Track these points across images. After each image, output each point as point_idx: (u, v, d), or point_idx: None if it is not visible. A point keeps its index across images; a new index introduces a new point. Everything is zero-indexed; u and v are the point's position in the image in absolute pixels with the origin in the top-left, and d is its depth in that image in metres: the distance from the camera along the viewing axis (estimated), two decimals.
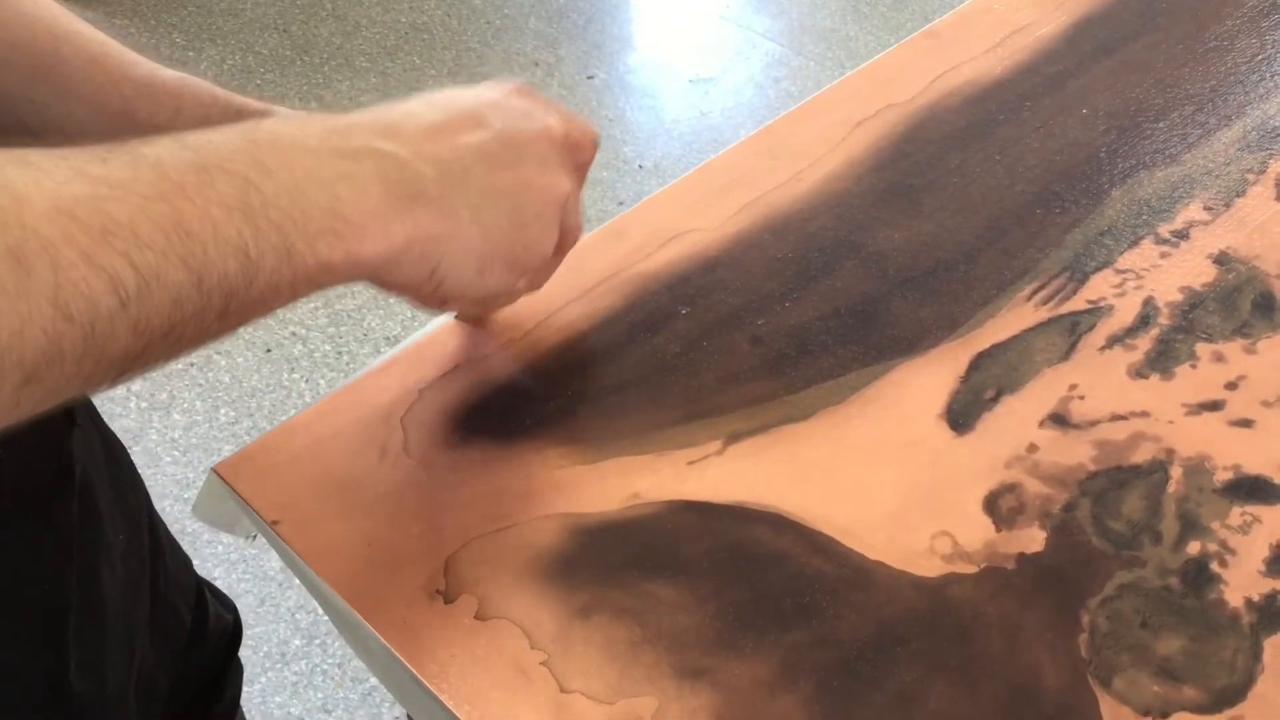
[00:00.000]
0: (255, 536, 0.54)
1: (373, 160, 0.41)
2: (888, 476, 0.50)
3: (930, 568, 0.47)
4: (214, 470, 0.51)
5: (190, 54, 2.45)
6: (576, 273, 0.59)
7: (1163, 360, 0.54)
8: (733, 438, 0.52)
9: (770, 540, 0.48)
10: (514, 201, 0.46)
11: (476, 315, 0.58)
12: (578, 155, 0.52)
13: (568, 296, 0.58)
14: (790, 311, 0.57)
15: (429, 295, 0.45)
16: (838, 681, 0.44)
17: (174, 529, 1.68)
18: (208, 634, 0.85)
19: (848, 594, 0.46)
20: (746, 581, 0.47)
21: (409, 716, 0.65)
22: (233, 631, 0.92)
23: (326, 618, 1.57)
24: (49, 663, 0.61)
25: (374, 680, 1.51)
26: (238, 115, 0.56)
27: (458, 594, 0.46)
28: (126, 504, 0.71)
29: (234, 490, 0.50)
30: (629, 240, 0.61)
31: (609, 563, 0.47)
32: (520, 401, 0.53)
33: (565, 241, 0.52)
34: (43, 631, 0.61)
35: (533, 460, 0.51)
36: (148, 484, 1.73)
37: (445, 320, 0.58)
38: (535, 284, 0.54)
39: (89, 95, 0.57)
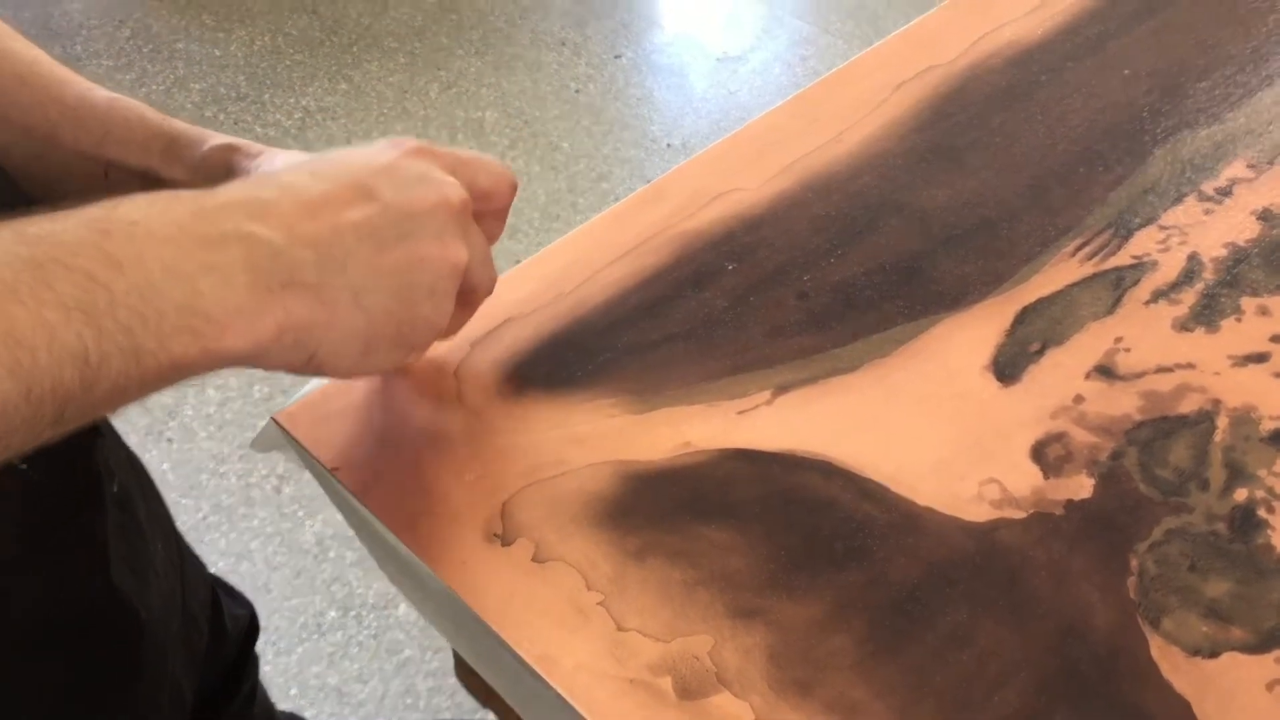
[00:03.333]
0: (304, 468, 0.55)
1: (241, 247, 0.38)
2: (935, 426, 0.51)
3: (979, 513, 0.48)
4: (273, 419, 0.52)
5: (220, 35, 2.47)
6: (620, 233, 0.60)
7: (1207, 314, 0.54)
8: (781, 389, 0.52)
9: (820, 486, 0.49)
10: (403, 280, 0.43)
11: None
12: (489, 204, 0.49)
13: (612, 255, 0.59)
14: (835, 268, 0.58)
15: (309, 374, 0.43)
16: (889, 621, 0.44)
17: (209, 504, 1.71)
18: (224, 640, 0.86)
19: (898, 538, 0.47)
20: (798, 526, 0.47)
21: (456, 658, 0.67)
22: (248, 627, 0.92)
23: (361, 590, 1.59)
24: (115, 679, 0.62)
25: (409, 651, 1.53)
26: (169, 141, 0.53)
27: (515, 537, 0.47)
28: (156, 513, 0.73)
29: (293, 438, 0.51)
30: (671, 200, 0.62)
31: (662, 508, 0.48)
32: (570, 354, 0.54)
33: (475, 297, 0.50)
34: (109, 649, 0.62)
35: (584, 410, 0.52)
36: (184, 459, 1.76)
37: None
38: (443, 337, 0.50)
39: (14, 119, 0.54)
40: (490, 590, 0.46)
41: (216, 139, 0.54)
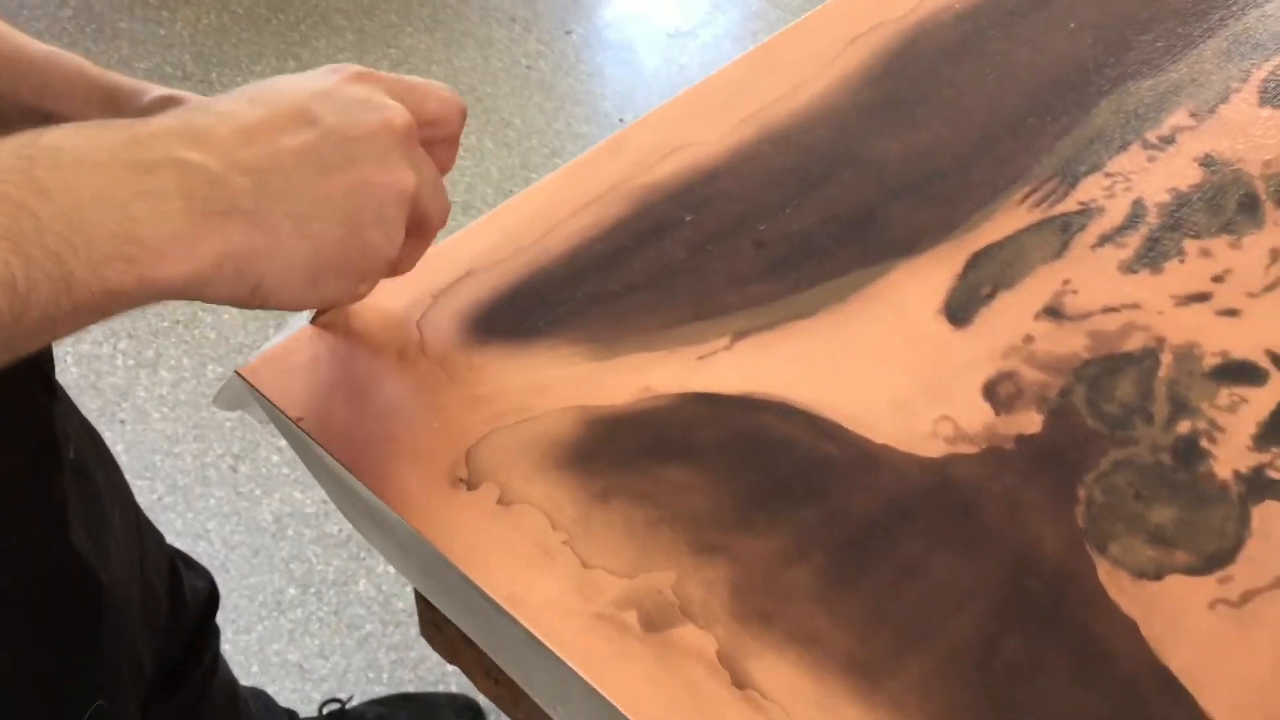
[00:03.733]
0: (267, 423, 0.55)
1: (176, 174, 0.37)
2: (891, 368, 0.52)
3: (933, 449, 0.49)
4: (236, 372, 0.52)
5: (165, 13, 2.43)
6: (580, 185, 0.60)
7: (1152, 256, 0.56)
8: (740, 334, 0.53)
9: (779, 427, 0.50)
10: (348, 206, 0.42)
11: (332, 320, 0.54)
12: (439, 130, 0.48)
13: (573, 208, 0.59)
14: (792, 218, 0.58)
15: (255, 307, 0.42)
16: (847, 554, 0.46)
17: (164, 484, 1.70)
18: (183, 609, 0.86)
19: (855, 475, 0.48)
20: (758, 465, 0.48)
21: (420, 615, 0.67)
22: (208, 599, 0.92)
23: (320, 567, 1.59)
24: (80, 645, 0.62)
25: (370, 626, 1.53)
26: (107, 94, 0.53)
27: (480, 482, 0.48)
28: (113, 482, 0.72)
29: (257, 391, 0.51)
30: (630, 154, 0.62)
31: (625, 451, 0.49)
32: (532, 304, 0.55)
33: (428, 226, 0.48)
34: (69, 615, 0.61)
35: (547, 358, 0.52)
36: (137, 440, 1.74)
37: (456, 231, 0.59)
38: (399, 270, 0.50)
39: None
40: (457, 533, 0.46)
41: (157, 91, 0.53)
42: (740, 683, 0.42)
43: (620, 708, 0.41)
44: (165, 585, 0.82)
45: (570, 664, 0.43)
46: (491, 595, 0.44)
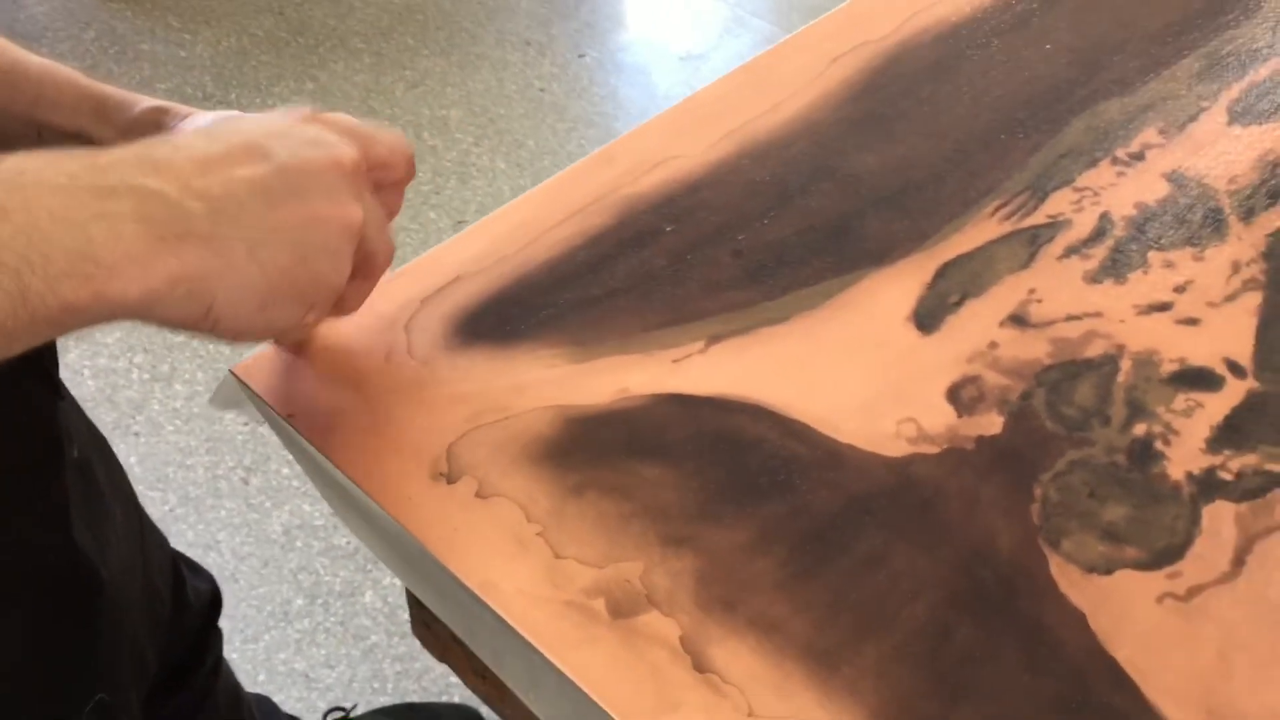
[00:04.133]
0: (261, 423, 0.57)
1: (133, 198, 0.39)
2: (859, 372, 0.54)
3: (896, 449, 0.51)
4: (231, 371, 0.54)
5: (186, 36, 2.48)
6: (567, 195, 0.63)
7: (1116, 267, 0.58)
8: (714, 339, 0.55)
9: (749, 427, 0.52)
10: (297, 236, 0.44)
11: (295, 342, 0.56)
12: (387, 175, 0.51)
13: (560, 216, 0.62)
14: (769, 228, 0.61)
15: (206, 332, 0.44)
16: (810, 546, 0.47)
17: (176, 496, 1.72)
18: (186, 610, 0.88)
19: (820, 472, 0.50)
20: (727, 463, 0.50)
21: (411, 613, 0.69)
22: (210, 602, 0.94)
23: (328, 579, 1.61)
24: (77, 638, 0.64)
25: (375, 637, 1.55)
26: (98, 103, 0.55)
27: (459, 476, 0.50)
28: (116, 481, 0.74)
29: (250, 388, 0.53)
30: (618, 165, 0.64)
31: (600, 448, 0.51)
32: (516, 309, 0.57)
33: (373, 265, 0.51)
34: (69, 608, 0.63)
35: (528, 360, 0.55)
36: (151, 451, 1.76)
37: (445, 240, 0.61)
38: (345, 309, 0.52)
39: None
40: (436, 525, 0.48)
41: (147, 102, 0.55)
42: (701, 667, 0.44)
43: (586, 689, 0.43)
44: (169, 585, 0.84)
45: (539, 648, 0.44)
46: (467, 583, 0.46)
